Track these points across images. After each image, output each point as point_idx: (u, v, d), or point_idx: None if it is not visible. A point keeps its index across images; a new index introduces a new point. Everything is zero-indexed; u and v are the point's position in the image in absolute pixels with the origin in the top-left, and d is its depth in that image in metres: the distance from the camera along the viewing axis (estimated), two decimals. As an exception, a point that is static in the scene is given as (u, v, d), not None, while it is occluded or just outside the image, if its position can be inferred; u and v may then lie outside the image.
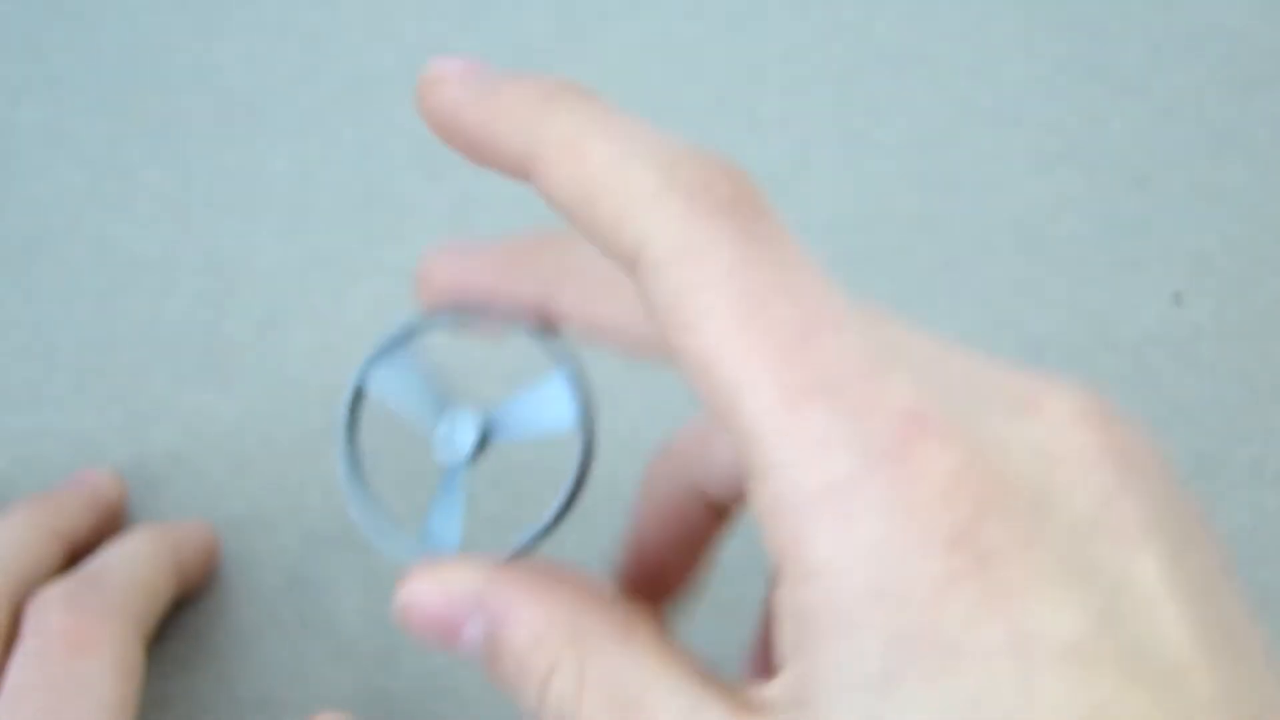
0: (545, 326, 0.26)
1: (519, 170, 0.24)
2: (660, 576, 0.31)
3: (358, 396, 0.29)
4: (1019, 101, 0.50)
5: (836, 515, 0.18)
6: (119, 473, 0.41)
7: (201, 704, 0.38)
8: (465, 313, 0.27)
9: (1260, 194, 0.47)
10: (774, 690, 0.20)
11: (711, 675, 0.22)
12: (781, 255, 0.20)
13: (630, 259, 0.21)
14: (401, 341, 0.28)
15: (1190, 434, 0.41)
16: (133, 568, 0.36)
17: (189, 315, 0.45)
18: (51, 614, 0.33)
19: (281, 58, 0.51)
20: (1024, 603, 0.17)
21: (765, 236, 0.20)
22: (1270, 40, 0.51)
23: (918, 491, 0.18)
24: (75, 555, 0.37)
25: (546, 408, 0.28)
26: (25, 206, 0.47)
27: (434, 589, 0.25)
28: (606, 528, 0.31)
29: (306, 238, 0.47)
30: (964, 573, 0.18)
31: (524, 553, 0.26)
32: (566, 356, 0.26)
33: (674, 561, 0.31)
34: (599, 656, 0.23)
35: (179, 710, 0.39)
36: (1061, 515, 0.19)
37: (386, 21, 0.52)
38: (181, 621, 0.40)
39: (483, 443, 0.28)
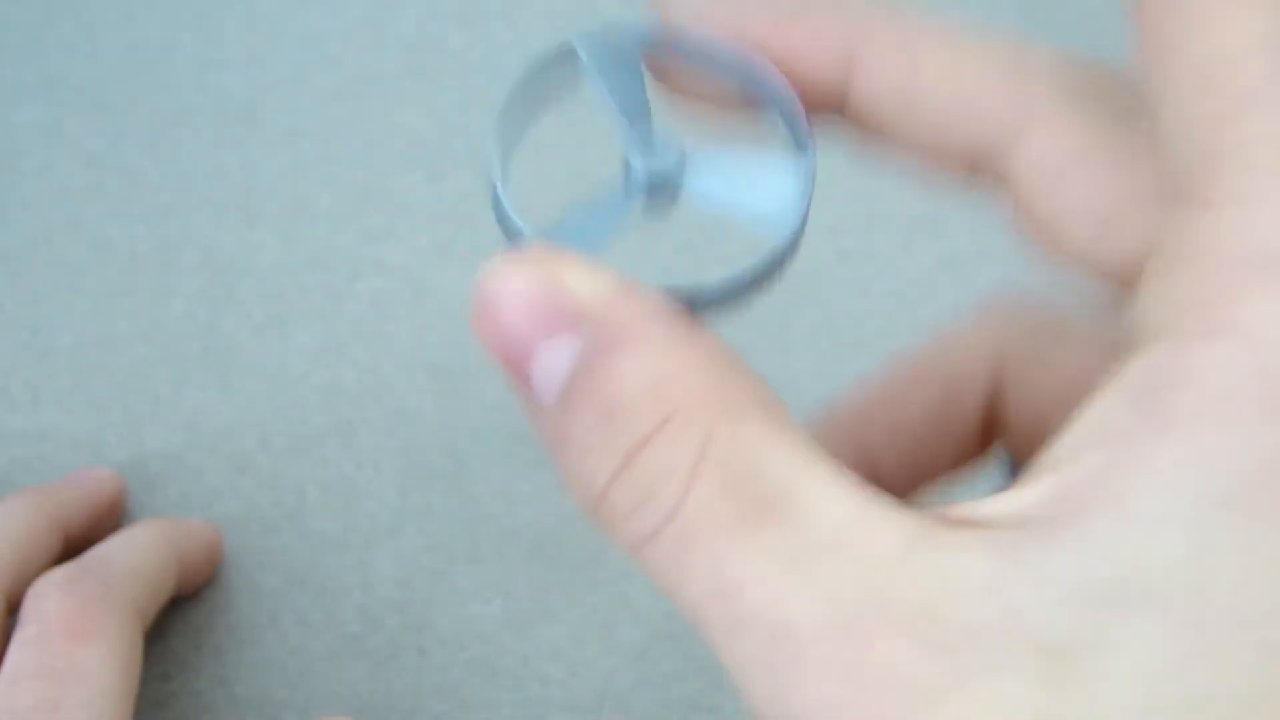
0: (803, 105, 0.21)
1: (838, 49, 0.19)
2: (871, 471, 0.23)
3: (564, 55, 0.22)
4: (1019, 101, 0.50)
5: None
6: (118, 472, 0.41)
7: (201, 704, 0.38)
8: (713, 54, 0.21)
9: (1260, 194, 0.47)
10: (1027, 498, 0.15)
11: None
12: None
13: None
14: (630, 39, 0.22)
15: (1190, 434, 0.41)
16: (135, 557, 0.36)
17: (189, 315, 0.45)
18: (50, 600, 0.32)
19: (281, 58, 0.51)
20: None
21: None
22: (1270, 40, 0.51)
23: None
24: (72, 549, 0.37)
25: (764, 184, 0.21)
26: (25, 206, 0.47)
27: (537, 281, 0.18)
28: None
29: (306, 238, 0.47)
30: None
31: (673, 304, 0.19)
32: (812, 145, 0.21)
33: (898, 460, 0.24)
34: (737, 424, 0.17)
35: (179, 710, 0.39)
36: None
37: (386, 21, 0.52)
38: (182, 621, 0.40)
39: (675, 181, 0.22)
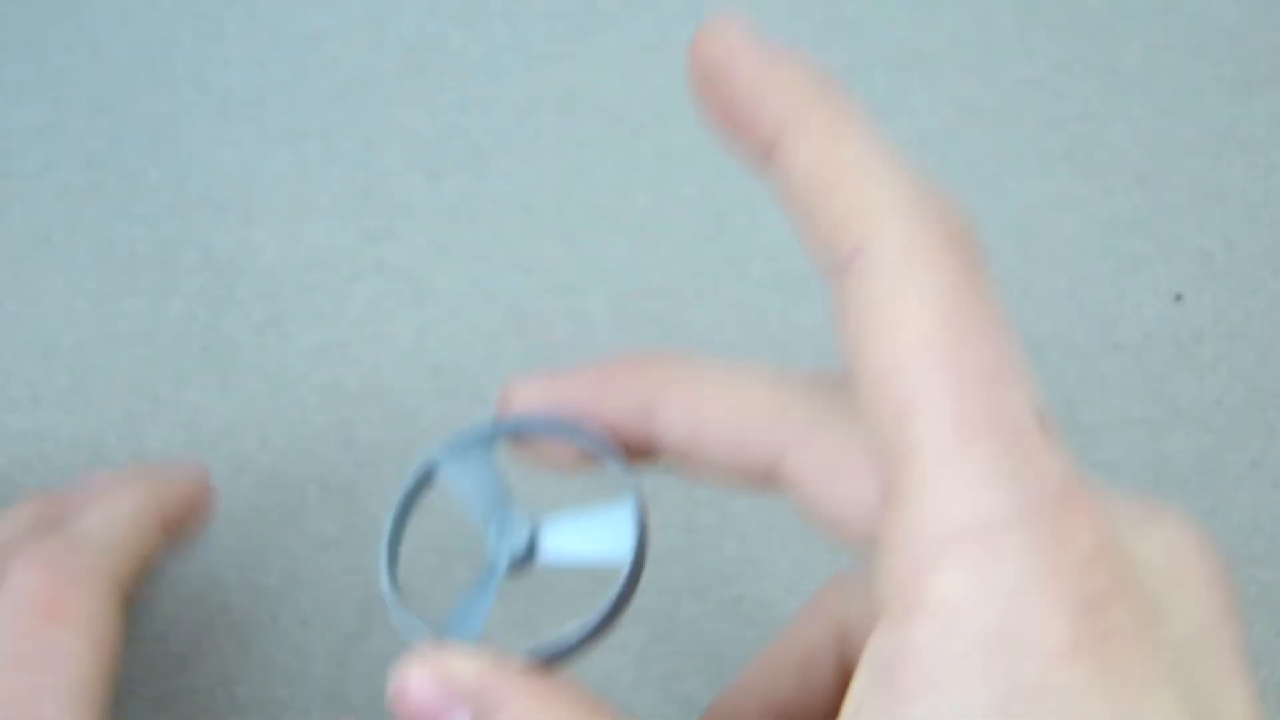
0: (623, 451, 0.26)
1: (764, 140, 0.23)
2: None
3: (425, 479, 0.29)
4: (1019, 101, 0.50)
5: (977, 555, 0.18)
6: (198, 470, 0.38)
7: (201, 704, 0.38)
8: (546, 427, 0.27)
9: (1260, 194, 0.47)
10: None
11: None
12: (990, 300, 0.21)
13: (846, 254, 0.21)
14: (480, 440, 0.28)
15: (1190, 434, 0.41)
16: (114, 526, 0.33)
17: (189, 315, 0.45)
18: (23, 576, 0.30)
19: (281, 58, 0.51)
20: (1135, 692, 0.18)
21: (981, 279, 0.21)
22: (1270, 40, 0.51)
23: (1064, 554, 0.18)
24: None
25: (603, 534, 0.27)
26: (25, 206, 0.47)
27: (428, 674, 0.24)
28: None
29: (306, 238, 0.47)
30: (1087, 644, 0.18)
31: (539, 663, 0.25)
32: (636, 487, 0.26)
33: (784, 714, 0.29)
34: None
35: (179, 710, 0.39)
36: (1173, 625, 0.20)
37: (386, 21, 0.52)
38: (182, 621, 0.40)
39: (529, 553, 0.27)
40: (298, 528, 0.41)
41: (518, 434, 0.28)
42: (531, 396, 0.27)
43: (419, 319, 0.45)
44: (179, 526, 0.36)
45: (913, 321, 0.20)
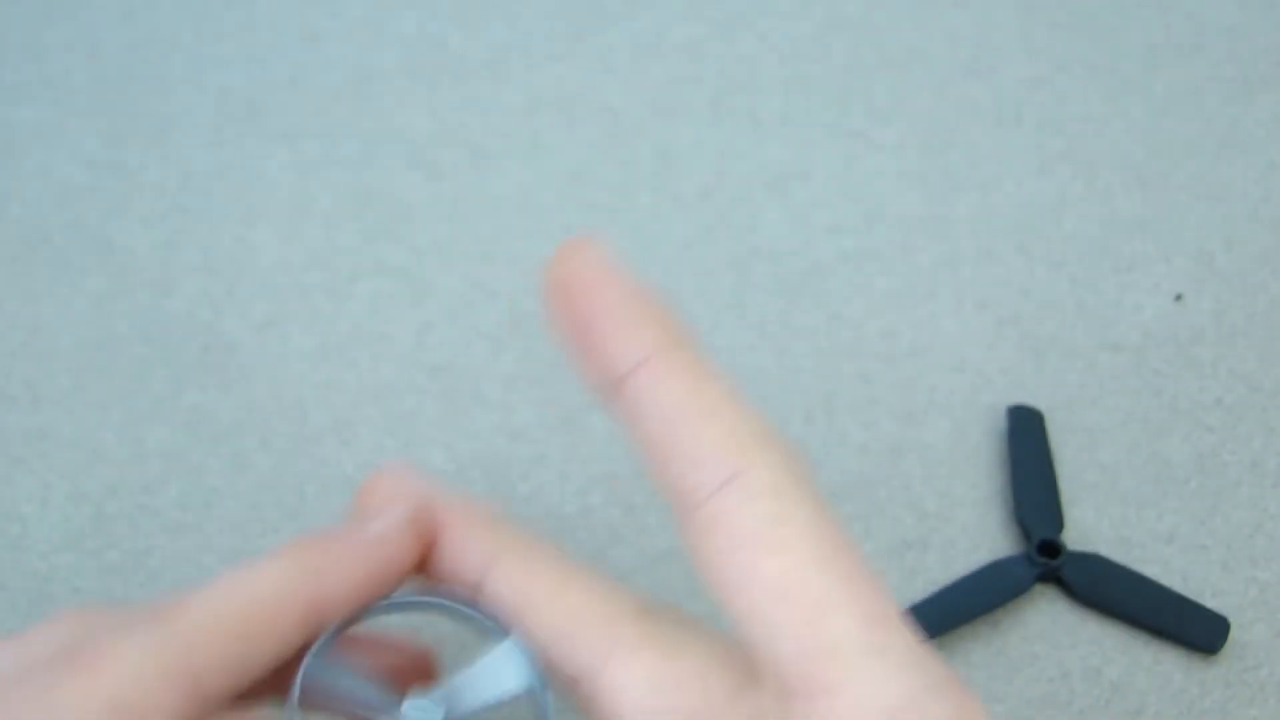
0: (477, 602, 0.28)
1: (617, 371, 0.25)
2: None
3: (304, 697, 0.27)
4: (1019, 101, 0.49)
5: None
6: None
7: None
8: (399, 603, 0.28)
9: (1260, 194, 0.47)
10: None
11: None
12: (838, 523, 0.24)
13: (715, 483, 0.24)
14: (334, 636, 0.27)
15: (1189, 434, 0.41)
16: (220, 613, 0.25)
17: (189, 315, 0.45)
18: (62, 625, 0.25)
19: (281, 57, 0.51)
20: None
21: (825, 504, 0.24)
22: (1270, 40, 0.51)
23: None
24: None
25: (500, 674, 0.28)
26: (25, 206, 0.47)
27: None
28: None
29: (306, 238, 0.47)
30: None
31: None
32: (505, 626, 0.28)
33: None
34: None
35: (179, 710, 0.39)
36: None
37: (386, 21, 0.52)
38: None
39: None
40: (298, 528, 0.41)
41: (370, 618, 0.28)
42: (390, 493, 0.28)
43: (419, 319, 0.45)
44: (351, 605, 0.28)
45: (798, 536, 0.23)
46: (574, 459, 0.42)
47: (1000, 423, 0.41)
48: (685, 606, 0.39)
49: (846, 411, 0.42)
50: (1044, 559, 0.38)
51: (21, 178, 0.48)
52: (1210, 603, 0.37)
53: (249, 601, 0.26)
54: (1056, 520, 0.39)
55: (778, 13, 0.52)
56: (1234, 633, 0.37)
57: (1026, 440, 0.40)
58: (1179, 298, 0.44)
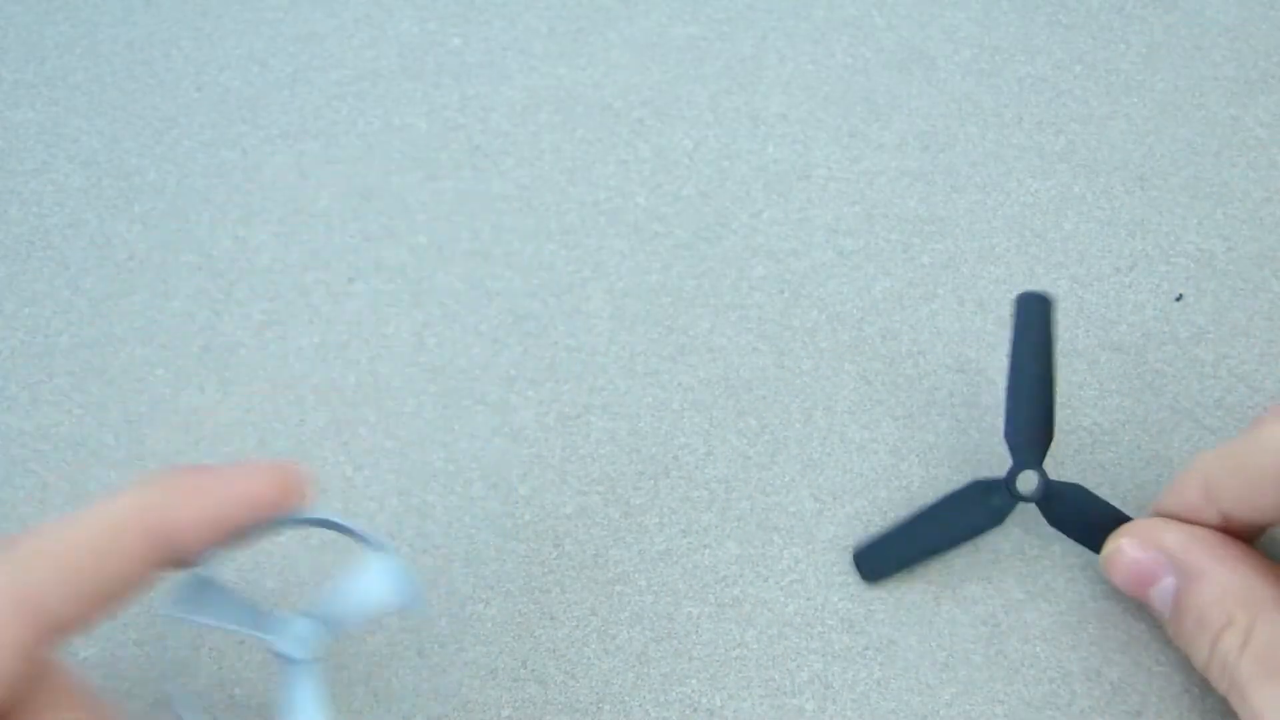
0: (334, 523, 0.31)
1: None
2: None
3: (171, 626, 0.31)
4: (1019, 101, 0.49)
5: None
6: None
7: (200, 704, 0.38)
8: (237, 534, 0.30)
9: (1260, 194, 0.47)
10: None
11: None
12: None
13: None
14: (193, 581, 0.30)
15: (1190, 434, 0.41)
16: (61, 547, 0.26)
17: (188, 315, 0.45)
18: None
19: (281, 58, 0.51)
20: None
21: None
22: (1270, 40, 0.51)
23: None
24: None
25: (376, 587, 0.30)
26: (25, 206, 0.47)
27: (1140, 545, 0.33)
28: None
29: (306, 238, 0.47)
30: None
31: None
32: (378, 539, 0.30)
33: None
34: (1266, 622, 0.30)
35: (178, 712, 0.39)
36: None
37: (386, 21, 0.52)
38: (180, 622, 0.40)
39: (321, 636, 0.30)
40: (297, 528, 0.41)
41: (214, 558, 0.30)
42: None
43: (419, 319, 0.45)
44: (191, 545, 0.29)
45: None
46: (573, 459, 0.42)
47: (1000, 422, 0.41)
48: (684, 607, 0.39)
49: (846, 411, 0.42)
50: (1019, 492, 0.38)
51: (21, 178, 0.48)
52: (1210, 603, 0.37)
53: (89, 528, 0.26)
54: (1046, 436, 0.38)
55: (778, 13, 0.52)
56: (1234, 633, 0.37)
57: (1028, 336, 0.39)
58: (1179, 298, 0.44)
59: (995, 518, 0.37)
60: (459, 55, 0.51)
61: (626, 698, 0.37)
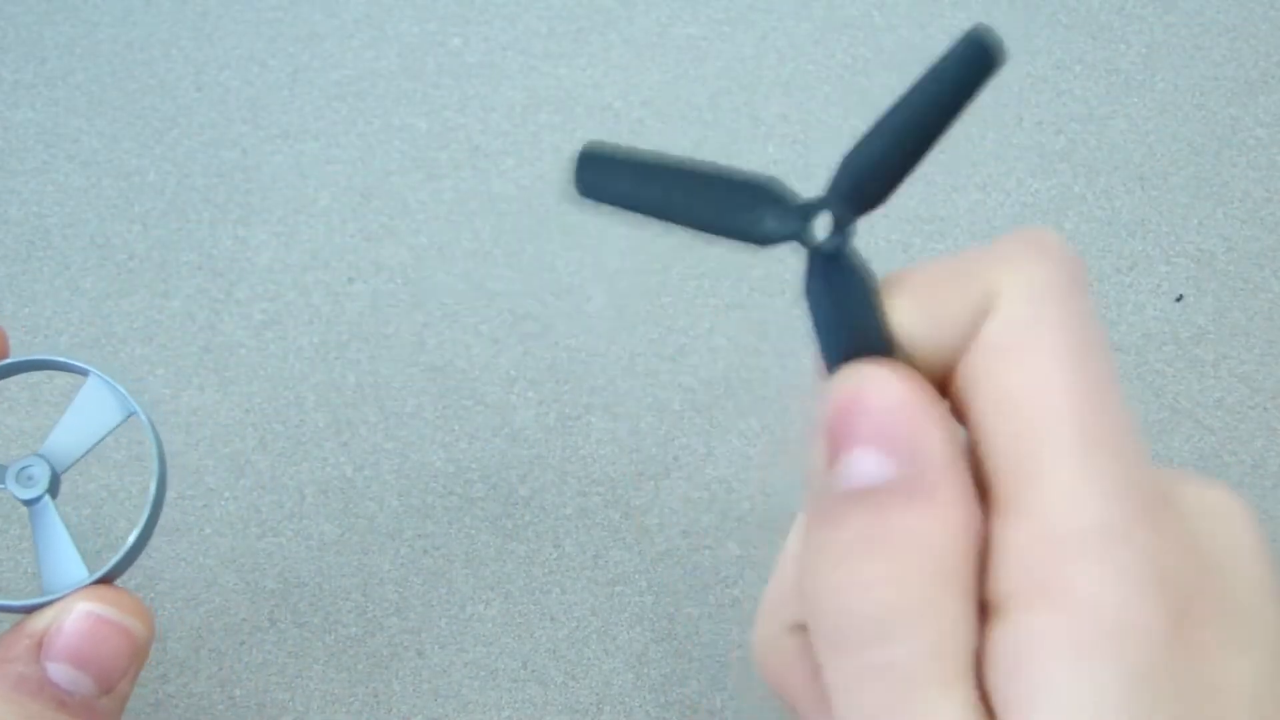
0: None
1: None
2: None
3: None
4: (1019, 101, 0.49)
5: (1101, 554, 0.21)
6: None
7: (200, 706, 0.38)
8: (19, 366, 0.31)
9: (1260, 194, 0.47)
10: None
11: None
12: (1094, 319, 0.23)
13: (980, 306, 0.23)
14: None
15: (1190, 434, 0.41)
16: None
17: (188, 315, 0.45)
18: None
19: (281, 58, 0.51)
20: (1218, 667, 0.21)
21: (1086, 301, 0.23)
22: (1270, 40, 0.51)
23: (1164, 556, 0.21)
24: None
25: (96, 412, 0.30)
26: (25, 206, 0.47)
27: (890, 384, 0.22)
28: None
29: (306, 238, 0.47)
30: (1182, 631, 0.21)
31: (114, 574, 0.28)
32: (80, 364, 0.30)
33: None
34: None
35: (178, 712, 0.39)
36: (1237, 595, 0.22)
37: (386, 21, 0.52)
38: (180, 623, 0.40)
39: (54, 471, 0.30)
40: (297, 529, 0.41)
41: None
42: None
43: (419, 319, 0.45)
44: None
45: (1050, 348, 0.22)
46: (573, 460, 0.42)
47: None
48: (684, 608, 0.39)
49: (846, 412, 0.42)
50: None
51: (21, 178, 0.48)
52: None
53: None
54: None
55: (778, 13, 0.52)
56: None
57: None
58: (1180, 298, 0.44)
59: (758, 231, 0.26)
60: (459, 55, 0.51)
61: (627, 698, 0.37)
